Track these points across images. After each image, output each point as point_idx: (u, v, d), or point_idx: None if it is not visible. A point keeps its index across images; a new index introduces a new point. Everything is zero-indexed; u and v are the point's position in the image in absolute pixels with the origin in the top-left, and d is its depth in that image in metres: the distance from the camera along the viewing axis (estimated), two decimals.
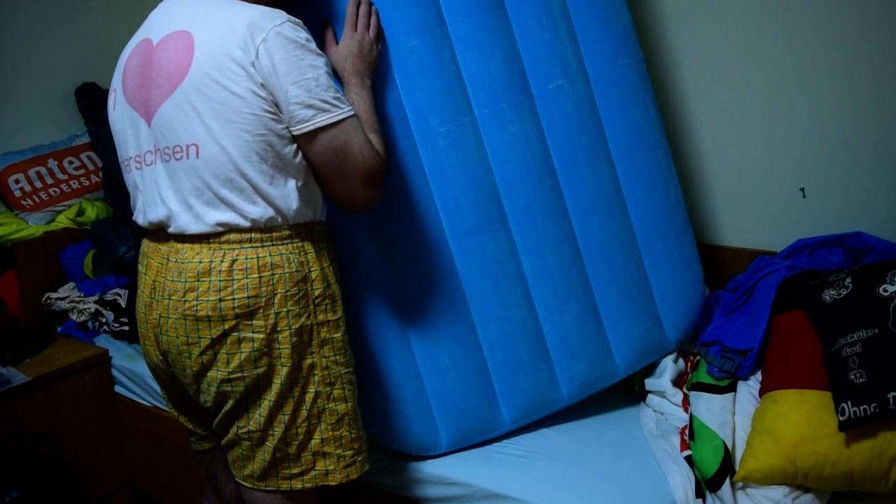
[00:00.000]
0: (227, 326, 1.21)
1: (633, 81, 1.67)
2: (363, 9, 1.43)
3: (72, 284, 2.38)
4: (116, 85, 1.33)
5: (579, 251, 1.64)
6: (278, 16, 1.19)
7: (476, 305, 1.57)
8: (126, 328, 2.25)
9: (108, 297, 2.31)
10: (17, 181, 2.36)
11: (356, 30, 1.41)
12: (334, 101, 1.20)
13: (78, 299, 2.31)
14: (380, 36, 1.46)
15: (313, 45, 1.21)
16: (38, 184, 2.39)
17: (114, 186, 2.46)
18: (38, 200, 2.38)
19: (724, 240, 1.99)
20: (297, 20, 1.21)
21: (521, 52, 1.59)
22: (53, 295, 2.33)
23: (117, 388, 2.22)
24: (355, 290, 1.51)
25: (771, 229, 1.90)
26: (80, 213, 2.45)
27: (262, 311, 1.21)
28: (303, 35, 1.20)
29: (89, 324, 2.30)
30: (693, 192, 1.98)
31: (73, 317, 2.31)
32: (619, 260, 1.65)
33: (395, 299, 1.54)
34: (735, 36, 1.85)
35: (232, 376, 1.23)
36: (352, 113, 1.23)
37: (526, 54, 1.60)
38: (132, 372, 2.14)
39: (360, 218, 1.51)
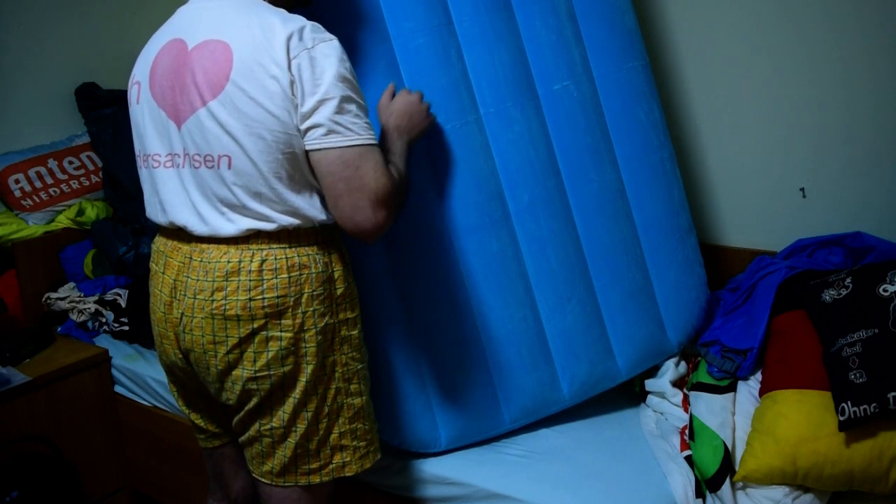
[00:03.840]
0: (255, 325, 1.22)
1: (638, 84, 1.67)
2: (427, 104, 1.43)
3: (72, 284, 2.38)
4: (141, 78, 1.31)
5: (582, 251, 1.64)
6: (316, 33, 1.18)
7: (478, 303, 1.57)
8: (126, 328, 2.25)
9: (108, 297, 2.31)
10: (17, 181, 2.36)
11: (413, 96, 1.41)
12: (352, 126, 1.17)
13: (78, 299, 2.31)
14: (431, 119, 1.45)
15: (347, 65, 1.19)
16: (38, 184, 2.39)
17: (114, 186, 2.46)
18: (38, 200, 2.38)
19: (724, 240, 1.99)
20: (332, 36, 1.20)
21: (528, 53, 1.60)
22: (53, 295, 2.33)
23: (117, 388, 2.22)
24: (359, 285, 1.50)
25: (771, 229, 1.90)
26: (80, 213, 2.45)
27: (290, 310, 1.22)
28: (335, 55, 1.18)
29: (89, 324, 2.30)
30: (693, 192, 1.98)
31: (73, 317, 2.30)
32: (622, 261, 1.65)
33: (398, 296, 1.54)
34: (736, 39, 1.86)
35: (258, 374, 1.23)
36: (370, 142, 1.19)
37: (532, 55, 1.60)
38: (132, 372, 2.14)
39: None
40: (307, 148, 1.19)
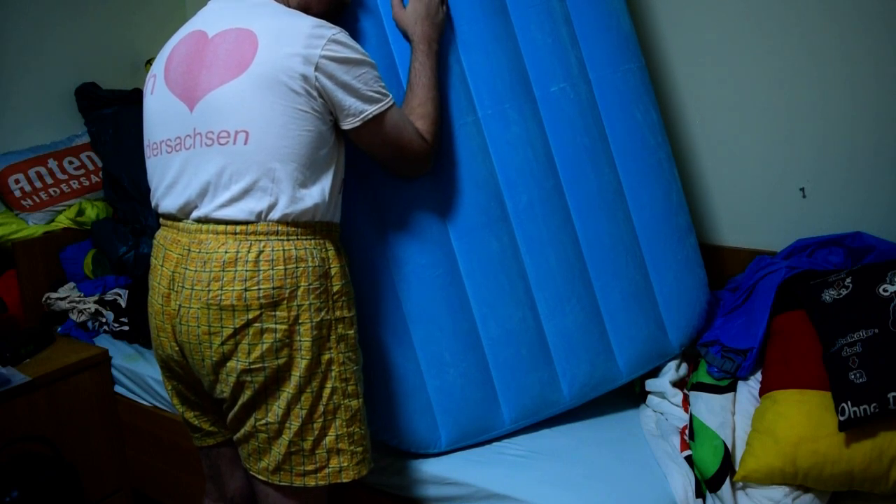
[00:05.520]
0: (251, 316, 1.22)
1: (635, 86, 1.67)
2: None
3: (72, 284, 2.37)
4: (157, 71, 1.35)
5: (581, 252, 1.64)
6: (332, 26, 1.28)
7: (478, 303, 1.57)
8: (126, 328, 2.25)
9: (108, 297, 2.31)
10: (17, 181, 2.35)
11: None
12: (383, 90, 1.31)
13: (78, 299, 2.31)
14: (446, 11, 1.53)
15: (362, 49, 1.30)
16: (38, 184, 2.39)
17: (114, 186, 2.46)
18: (38, 200, 2.38)
19: (723, 240, 1.99)
20: (346, 31, 1.30)
21: (524, 56, 1.61)
22: (53, 295, 2.33)
23: (117, 388, 2.21)
24: (358, 285, 1.51)
25: (771, 229, 1.90)
26: (80, 213, 2.45)
27: (285, 302, 1.23)
28: (354, 43, 1.29)
29: (89, 324, 2.30)
30: (693, 192, 1.98)
31: (73, 317, 2.30)
32: (622, 262, 1.65)
33: (398, 294, 1.55)
34: (733, 38, 1.86)
35: (252, 367, 1.24)
36: (392, 101, 1.33)
37: (528, 57, 1.61)
38: (132, 372, 2.14)
39: (364, 214, 1.53)
40: (350, 127, 1.29)
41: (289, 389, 1.25)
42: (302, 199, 1.25)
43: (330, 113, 1.28)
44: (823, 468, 1.29)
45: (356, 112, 1.28)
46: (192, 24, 1.35)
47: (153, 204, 1.37)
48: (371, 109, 1.29)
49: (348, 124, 1.29)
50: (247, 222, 1.24)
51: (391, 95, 1.32)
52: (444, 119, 1.53)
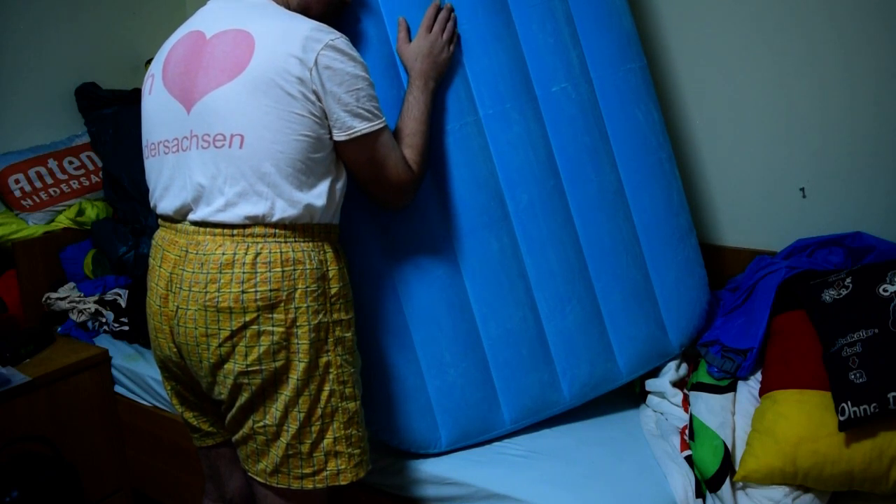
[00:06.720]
0: (248, 318, 1.22)
1: (636, 86, 1.67)
2: (443, 14, 1.50)
3: (72, 284, 2.38)
4: (155, 71, 1.35)
5: (582, 252, 1.64)
6: (333, 31, 1.26)
7: (478, 303, 1.57)
8: (126, 328, 2.25)
9: (108, 297, 2.31)
10: (17, 181, 2.35)
11: (430, 31, 1.49)
12: (375, 111, 1.28)
13: (78, 299, 2.31)
14: (453, 40, 1.53)
15: (361, 59, 1.28)
16: (38, 184, 2.39)
17: (114, 186, 2.46)
18: (38, 200, 2.38)
19: (723, 240, 1.99)
20: (347, 38, 1.27)
21: (526, 55, 1.60)
22: (53, 295, 2.33)
23: (117, 388, 2.22)
24: (358, 285, 1.51)
25: (771, 229, 1.90)
26: (80, 213, 2.45)
27: (282, 304, 1.23)
28: (354, 51, 1.27)
29: (89, 324, 2.30)
30: (693, 192, 1.98)
31: (73, 317, 2.30)
32: (622, 262, 1.65)
33: (398, 295, 1.55)
34: (734, 39, 1.86)
35: (250, 369, 1.24)
36: (384, 124, 1.30)
37: (530, 57, 1.61)
38: (132, 372, 2.14)
39: (364, 214, 1.52)
40: (338, 139, 1.26)
41: (286, 392, 1.25)
42: (299, 203, 1.24)
43: (327, 117, 1.27)
44: (823, 468, 1.29)
45: (343, 126, 1.25)
46: (191, 24, 1.35)
47: (152, 204, 1.37)
48: (359, 127, 1.26)
49: (335, 136, 1.27)
50: (244, 225, 1.23)
51: (384, 118, 1.30)
52: (443, 120, 1.53)
